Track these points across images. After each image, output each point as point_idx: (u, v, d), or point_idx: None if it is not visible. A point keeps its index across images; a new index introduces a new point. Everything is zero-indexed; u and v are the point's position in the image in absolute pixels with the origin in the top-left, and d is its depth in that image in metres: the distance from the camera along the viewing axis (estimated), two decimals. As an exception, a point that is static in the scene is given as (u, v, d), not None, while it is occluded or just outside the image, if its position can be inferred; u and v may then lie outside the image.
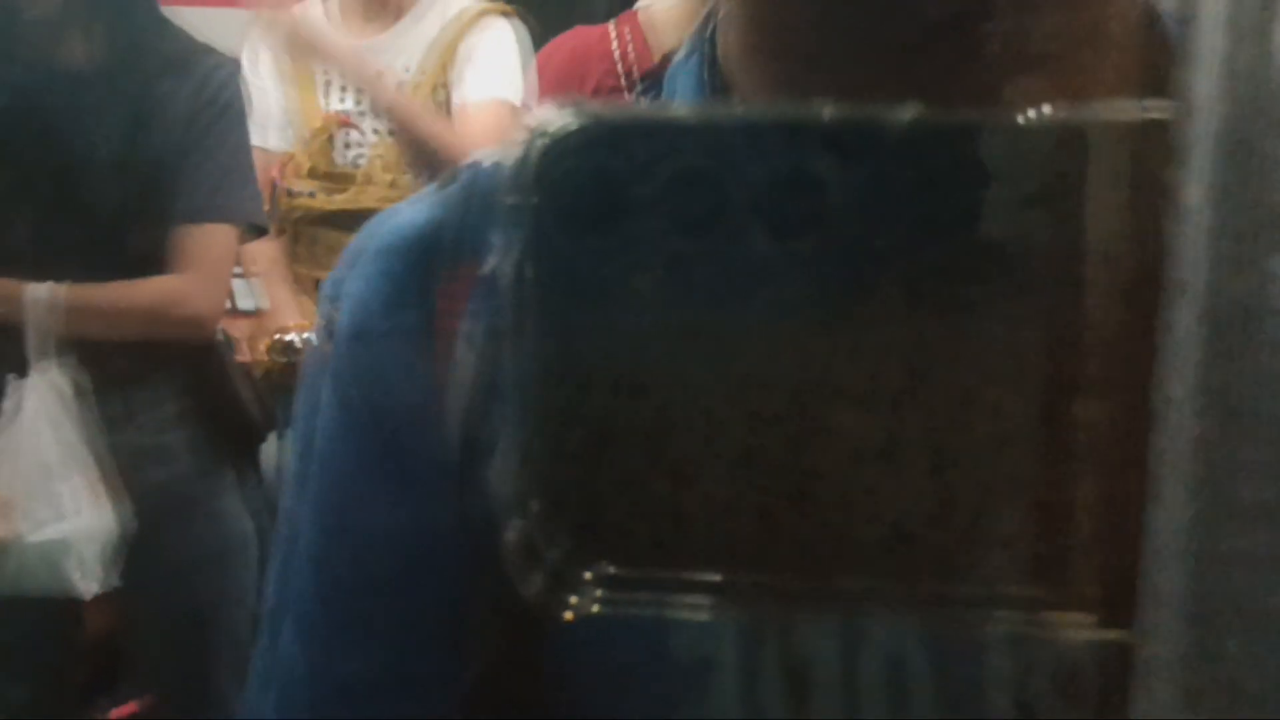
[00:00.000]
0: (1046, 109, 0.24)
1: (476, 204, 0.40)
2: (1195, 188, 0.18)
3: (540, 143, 0.24)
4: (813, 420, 0.25)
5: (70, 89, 1.48)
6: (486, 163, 0.41)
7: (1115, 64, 0.33)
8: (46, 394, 1.50)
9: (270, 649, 0.43)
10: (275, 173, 1.94)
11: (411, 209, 0.43)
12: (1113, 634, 0.22)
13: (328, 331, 0.42)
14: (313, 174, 1.94)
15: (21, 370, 1.50)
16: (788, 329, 0.25)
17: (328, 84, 1.97)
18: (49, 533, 1.50)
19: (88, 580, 1.49)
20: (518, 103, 1.89)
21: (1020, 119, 0.24)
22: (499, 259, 0.24)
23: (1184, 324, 0.19)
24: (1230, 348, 0.18)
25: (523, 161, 0.24)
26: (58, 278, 1.49)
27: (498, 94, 1.90)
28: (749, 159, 0.24)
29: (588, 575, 0.25)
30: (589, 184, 0.24)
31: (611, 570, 0.25)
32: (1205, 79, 0.18)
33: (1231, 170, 0.18)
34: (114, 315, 1.51)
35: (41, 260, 1.50)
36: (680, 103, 0.38)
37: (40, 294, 1.49)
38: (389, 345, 0.40)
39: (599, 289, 0.24)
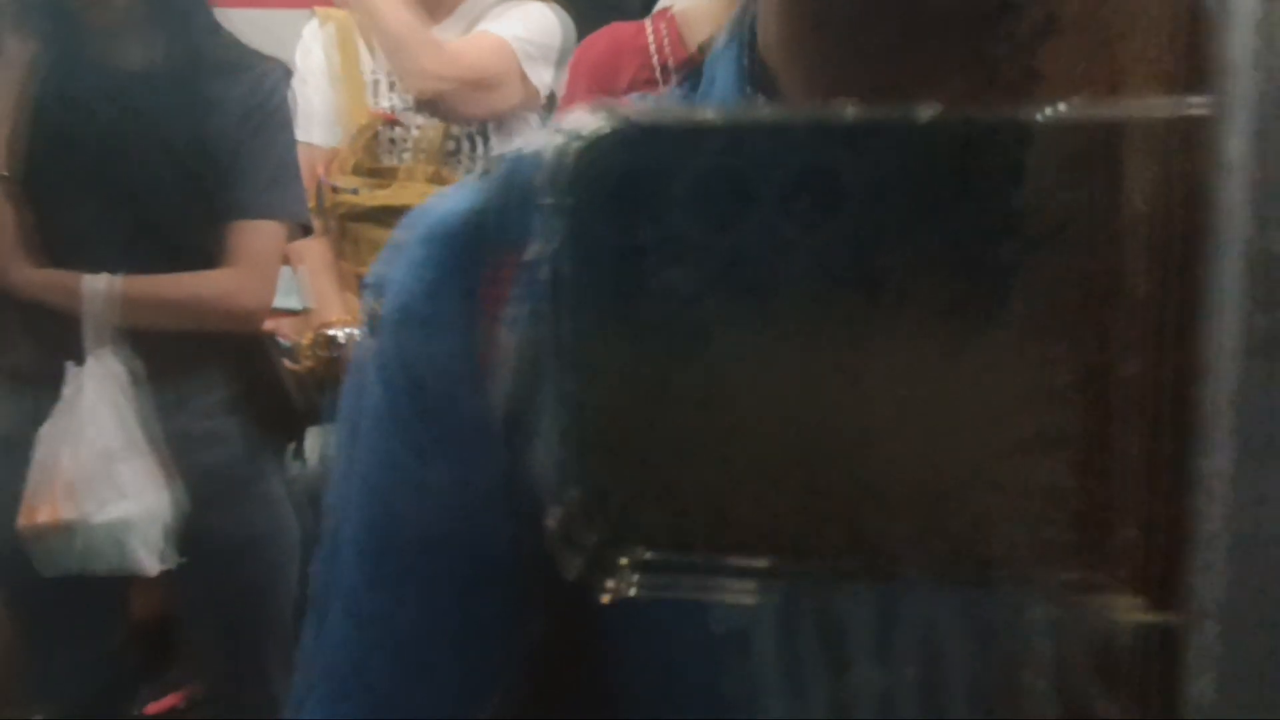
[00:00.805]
0: (1072, 104, 0.24)
1: (516, 193, 0.40)
2: (1232, 178, 0.19)
3: (576, 145, 0.25)
4: (848, 405, 0.25)
5: (129, 92, 1.52)
6: (526, 152, 0.41)
7: (1159, 54, 0.33)
8: (104, 381, 1.54)
9: (318, 633, 0.43)
10: (321, 170, 1.95)
11: (453, 198, 0.43)
12: (1160, 617, 0.22)
13: (372, 320, 0.43)
14: (357, 170, 1.95)
15: (79, 358, 1.53)
16: (818, 320, 0.25)
17: (376, 83, 1.98)
18: (113, 512, 1.54)
19: (152, 557, 1.53)
20: (516, 48, 1.87)
21: (1045, 115, 0.24)
22: (538, 250, 0.25)
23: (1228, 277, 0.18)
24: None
25: (559, 162, 0.25)
26: (113, 270, 1.53)
27: (499, 30, 1.88)
28: (774, 158, 0.25)
29: (624, 560, 0.26)
30: (621, 184, 0.25)
31: (647, 555, 0.26)
32: (1240, 78, 0.18)
33: (1265, 161, 0.18)
34: (167, 306, 1.55)
35: (98, 253, 1.54)
36: (706, 105, 0.39)
37: (98, 285, 1.53)
38: (433, 330, 0.41)
39: (633, 284, 0.25)
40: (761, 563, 0.25)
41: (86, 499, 1.56)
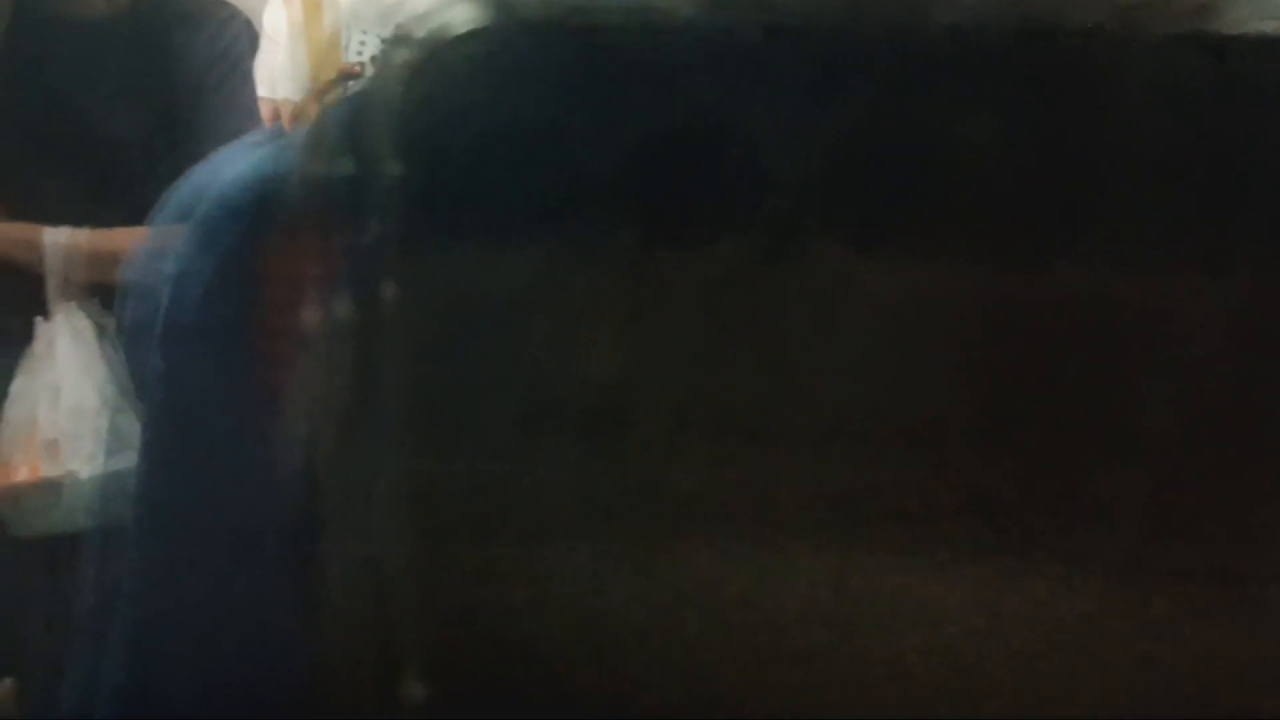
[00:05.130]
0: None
1: (324, 151, 0.24)
2: None
3: (411, 60, 0.13)
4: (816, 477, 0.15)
5: (92, 41, 1.39)
6: (350, 98, 0.24)
7: None
8: (73, 336, 1.42)
9: None
10: (287, 124, 1.83)
11: (249, 159, 0.29)
12: None
13: (133, 333, 0.29)
14: (322, 122, 1.83)
15: (45, 314, 1.42)
16: (809, 354, 0.15)
17: (348, 37, 1.86)
18: (99, 468, 1.43)
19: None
20: None
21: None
22: (363, 230, 0.14)
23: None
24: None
25: (381, 96, 0.13)
26: (76, 223, 1.41)
27: None
28: (768, 87, 0.14)
29: None
30: (503, 135, 0.13)
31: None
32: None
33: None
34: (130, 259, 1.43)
35: (62, 206, 1.42)
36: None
37: (59, 238, 1.42)
38: (211, 348, 0.26)
39: (520, 308, 0.14)
40: None
41: (71, 456, 1.45)
